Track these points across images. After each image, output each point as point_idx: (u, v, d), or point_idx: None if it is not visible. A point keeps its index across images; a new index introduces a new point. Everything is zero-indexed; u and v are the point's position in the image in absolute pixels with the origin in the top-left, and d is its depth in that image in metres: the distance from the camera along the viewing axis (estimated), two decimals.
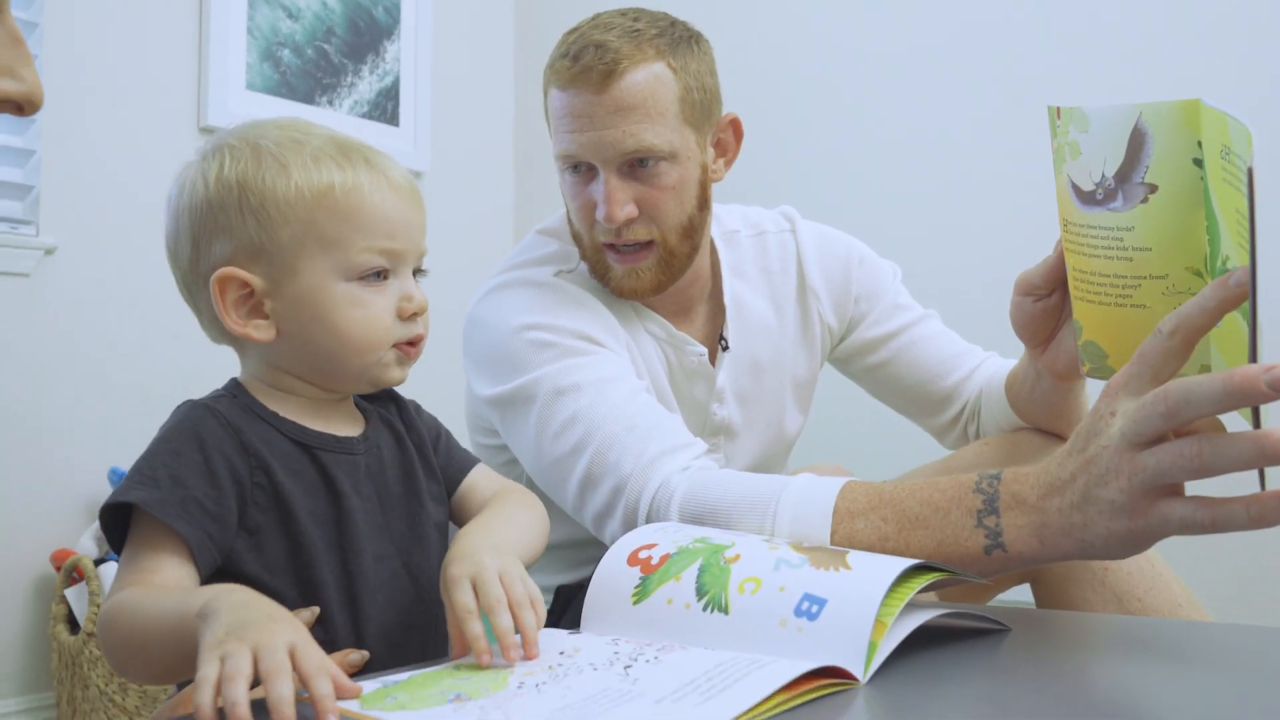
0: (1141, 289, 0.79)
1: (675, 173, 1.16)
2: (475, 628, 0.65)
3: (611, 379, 1.11)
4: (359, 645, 0.76)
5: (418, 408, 0.93)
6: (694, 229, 1.21)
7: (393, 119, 2.59)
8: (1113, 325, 0.82)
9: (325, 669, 0.55)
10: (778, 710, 0.56)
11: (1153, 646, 0.76)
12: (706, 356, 1.28)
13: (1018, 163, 2.14)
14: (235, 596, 0.60)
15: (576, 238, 1.22)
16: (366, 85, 2.54)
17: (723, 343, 1.30)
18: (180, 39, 2.21)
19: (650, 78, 1.13)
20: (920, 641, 0.69)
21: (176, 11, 2.21)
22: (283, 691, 0.53)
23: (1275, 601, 1.84)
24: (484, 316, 1.21)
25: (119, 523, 0.72)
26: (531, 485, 1.21)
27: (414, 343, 0.82)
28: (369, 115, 2.54)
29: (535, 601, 0.69)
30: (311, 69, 2.42)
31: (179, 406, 0.77)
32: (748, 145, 1.29)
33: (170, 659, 0.64)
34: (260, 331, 0.78)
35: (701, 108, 1.19)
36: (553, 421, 1.09)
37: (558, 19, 2.82)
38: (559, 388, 1.10)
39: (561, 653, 0.67)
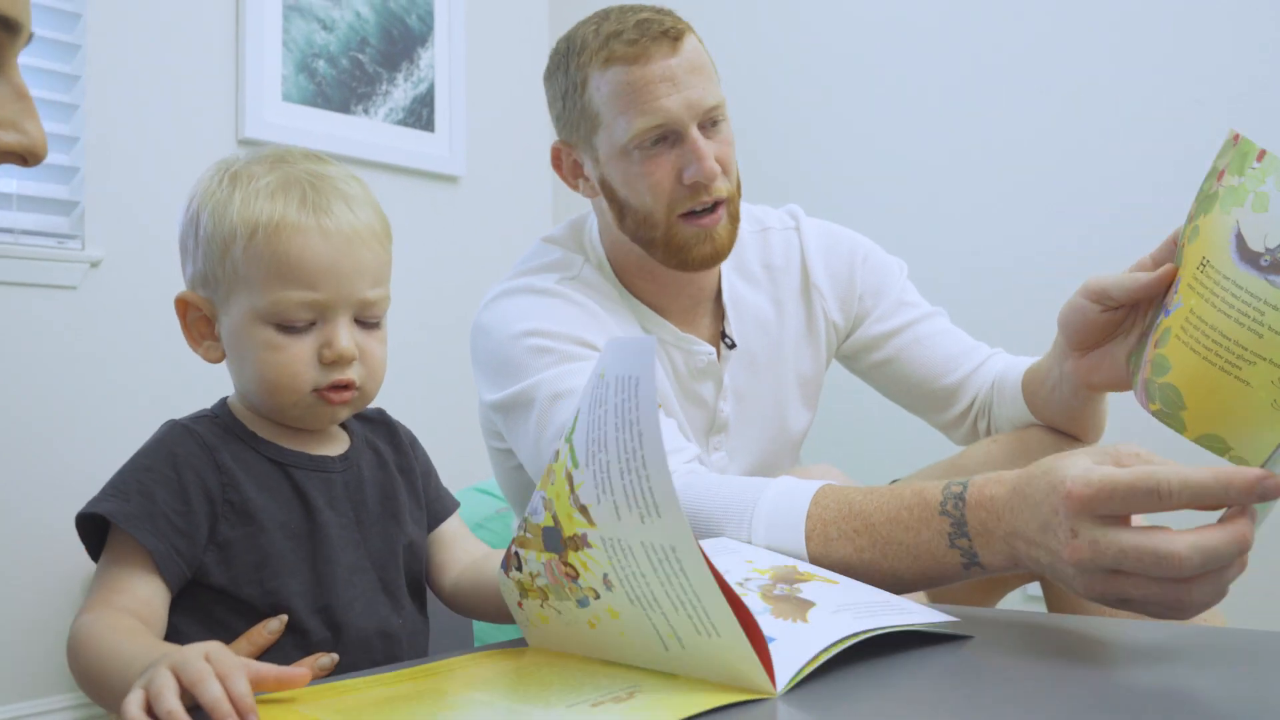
0: (1256, 368, 0.73)
1: (729, 129, 1.21)
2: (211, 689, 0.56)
3: None
4: (335, 651, 0.78)
5: (413, 440, 0.95)
6: (740, 184, 1.26)
7: (428, 125, 2.63)
8: (1207, 384, 0.76)
9: (241, 667, 0.57)
10: (682, 713, 0.56)
11: (1079, 648, 0.75)
12: (714, 356, 1.28)
13: (1025, 160, 2.12)
14: (172, 658, 0.59)
15: (647, 220, 1.19)
16: (401, 93, 2.58)
17: (727, 340, 1.30)
18: (217, 54, 2.27)
19: (697, 42, 1.20)
20: (874, 650, 0.68)
21: (213, 27, 2.27)
22: (213, 692, 0.54)
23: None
24: (487, 323, 1.23)
25: (97, 533, 0.75)
26: (531, 488, 1.23)
27: (336, 388, 0.80)
28: (404, 122, 2.58)
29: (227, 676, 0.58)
30: (346, 79, 2.47)
31: (162, 426, 0.81)
32: (751, 146, 1.30)
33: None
34: (210, 352, 0.82)
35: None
36: (550, 425, 1.11)
37: None
38: (556, 392, 1.12)
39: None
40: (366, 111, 2.51)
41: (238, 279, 0.78)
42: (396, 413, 0.98)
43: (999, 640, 0.74)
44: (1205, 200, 0.80)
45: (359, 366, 0.81)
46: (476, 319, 1.26)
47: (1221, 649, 0.73)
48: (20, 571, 1.94)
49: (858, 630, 0.67)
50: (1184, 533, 0.64)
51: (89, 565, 2.12)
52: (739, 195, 1.24)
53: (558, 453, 0.67)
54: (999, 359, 1.31)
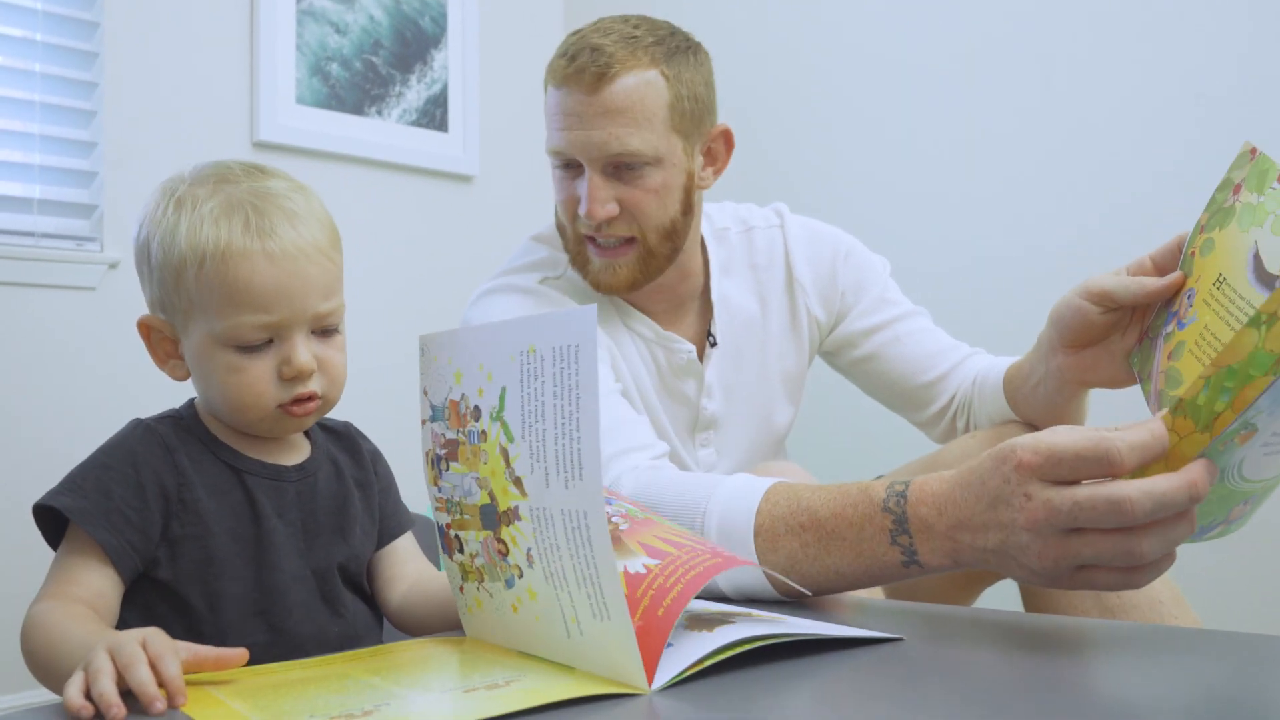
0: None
1: (659, 177, 1.19)
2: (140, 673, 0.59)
3: None
4: (275, 654, 0.80)
5: (376, 456, 0.97)
6: (676, 232, 1.23)
7: (442, 125, 2.66)
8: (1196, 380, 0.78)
9: (175, 650, 0.60)
10: (543, 699, 0.57)
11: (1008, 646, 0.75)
12: (695, 354, 1.30)
13: (1016, 157, 2.11)
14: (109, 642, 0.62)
15: (561, 229, 1.27)
16: (415, 94, 2.62)
17: (710, 339, 1.32)
18: (232, 58, 2.32)
19: (641, 84, 1.16)
20: (798, 651, 0.68)
21: (227, 32, 2.32)
22: (140, 676, 0.57)
23: (1253, 599, 1.76)
24: (471, 320, 1.27)
25: (56, 523, 0.78)
26: None
27: (299, 401, 0.83)
28: (417, 123, 2.61)
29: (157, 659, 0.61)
30: (360, 81, 2.51)
31: (126, 424, 0.84)
32: (746, 146, 1.31)
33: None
34: (176, 370, 0.86)
35: (692, 117, 1.21)
36: None
37: None
38: None
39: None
40: (380, 113, 2.55)
41: (193, 306, 0.81)
42: (409, 412, 0.99)
43: (931, 641, 0.74)
44: (1221, 214, 0.80)
45: (319, 377, 0.84)
46: (464, 315, 1.30)
47: (1166, 646, 0.74)
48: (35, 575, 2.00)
49: (757, 634, 0.66)
50: (1133, 480, 0.65)
51: None
52: (667, 240, 1.22)
53: (485, 433, 0.69)
54: (979, 358, 1.31)
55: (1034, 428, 1.21)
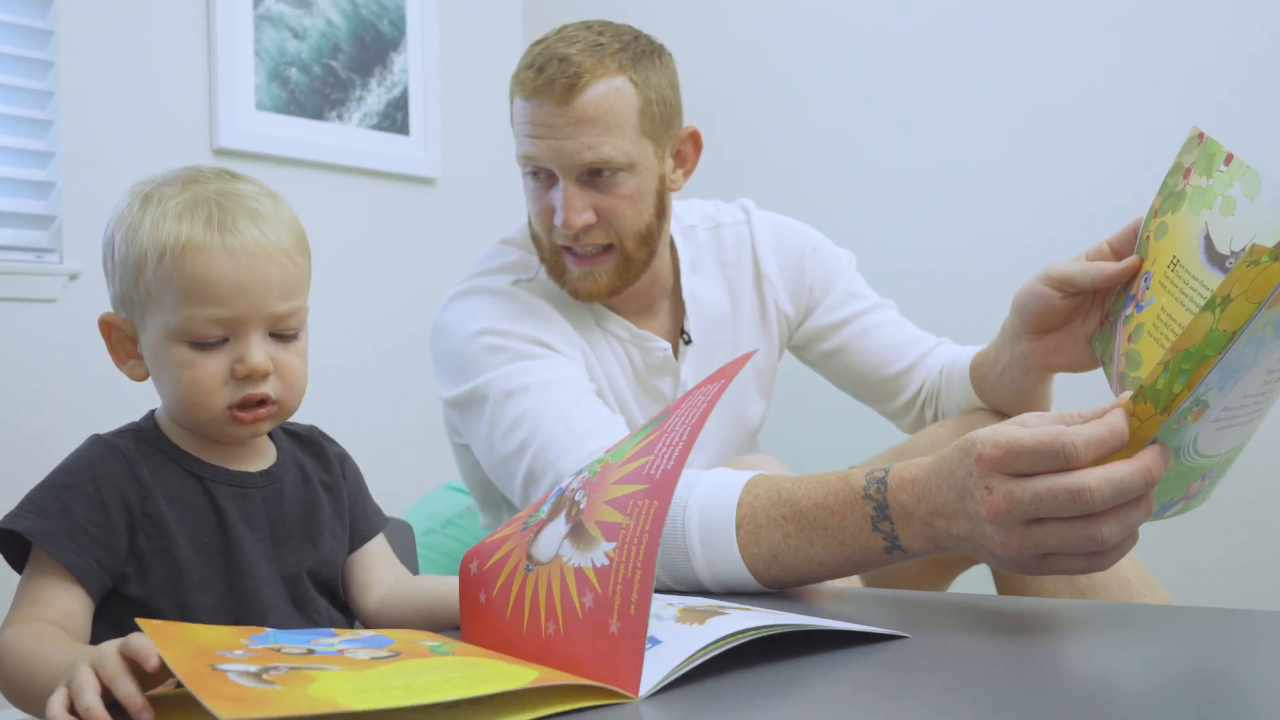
0: None
1: (633, 183, 1.20)
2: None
3: (558, 382, 1.15)
4: None
5: (344, 459, 0.96)
6: (651, 236, 1.24)
7: (403, 129, 2.65)
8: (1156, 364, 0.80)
9: (158, 658, 0.59)
10: (531, 712, 0.56)
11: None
12: (670, 351, 1.31)
13: (979, 155, 2.14)
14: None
15: (536, 240, 1.27)
16: (375, 98, 2.61)
17: (684, 336, 1.33)
18: (189, 65, 2.30)
19: (611, 91, 1.17)
20: (802, 650, 0.67)
21: (184, 39, 2.29)
22: (126, 688, 0.57)
23: (1224, 576, 1.81)
24: (444, 323, 1.26)
25: (17, 545, 0.78)
26: (492, 485, 1.26)
27: (248, 405, 0.82)
28: (379, 126, 2.60)
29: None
30: (319, 85, 2.50)
31: (85, 441, 0.83)
32: (714, 142, 1.32)
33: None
34: (135, 370, 0.85)
35: (661, 120, 1.22)
36: (502, 421, 1.15)
37: (565, 22, 2.87)
38: (509, 389, 1.15)
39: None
40: (341, 117, 2.53)
41: (151, 300, 0.80)
42: (378, 414, 0.98)
43: (932, 636, 0.74)
44: (1173, 197, 0.82)
45: (275, 381, 0.82)
46: (435, 318, 1.30)
47: (1140, 622, 0.76)
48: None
49: (749, 626, 0.65)
50: (1092, 469, 0.68)
51: None
52: (643, 245, 1.23)
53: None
54: (946, 348, 1.34)
55: (1001, 414, 1.24)
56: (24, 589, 0.77)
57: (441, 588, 0.87)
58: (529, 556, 0.72)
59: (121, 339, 0.85)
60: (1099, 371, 1.04)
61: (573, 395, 1.14)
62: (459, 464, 1.39)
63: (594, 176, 1.19)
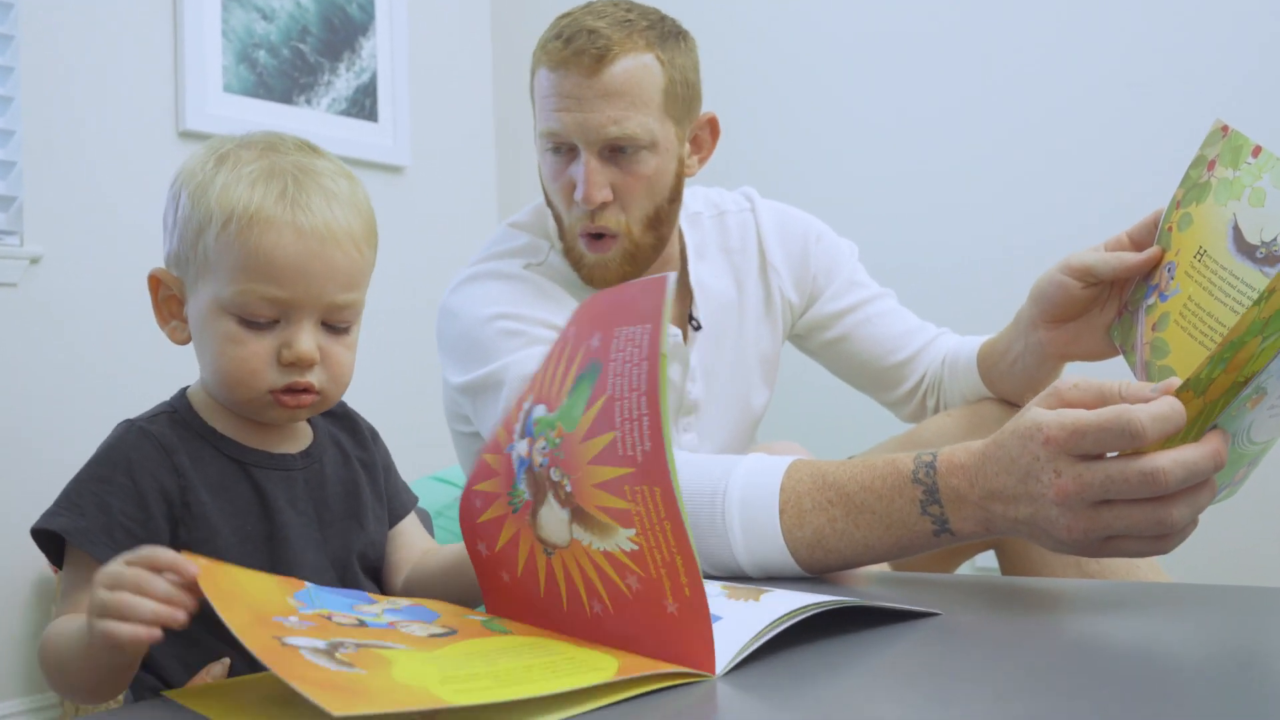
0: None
1: (653, 162, 1.19)
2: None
3: None
4: None
5: (375, 434, 0.94)
6: (660, 220, 1.23)
7: (371, 115, 2.61)
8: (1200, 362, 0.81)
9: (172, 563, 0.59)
10: (614, 696, 0.55)
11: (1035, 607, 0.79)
12: (681, 338, 1.30)
13: (981, 149, 2.16)
14: None
15: (557, 218, 1.25)
16: (344, 83, 2.56)
17: (694, 323, 1.33)
18: (155, 45, 2.24)
19: (639, 67, 1.16)
20: (833, 631, 0.68)
21: (151, 18, 2.23)
22: (161, 587, 0.58)
23: (1230, 559, 1.88)
24: (455, 307, 1.24)
25: (57, 539, 0.74)
26: None
27: (292, 391, 0.78)
28: (347, 112, 2.56)
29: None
30: (288, 69, 2.44)
31: (116, 427, 0.79)
32: (726, 128, 1.32)
33: (90, 671, 0.67)
34: (177, 333, 0.81)
35: (684, 102, 1.22)
36: None
37: (534, 9, 2.85)
38: (526, 375, 1.14)
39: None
40: (309, 102, 2.49)
41: (207, 265, 0.77)
42: (351, 402, 0.95)
43: (966, 614, 0.75)
44: (1197, 189, 0.84)
45: (320, 371, 0.79)
46: (444, 302, 1.27)
47: (1174, 600, 0.78)
48: None
49: (809, 603, 0.65)
50: (1163, 452, 0.68)
51: (36, 567, 2.08)
52: (651, 233, 1.22)
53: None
54: (947, 338, 1.35)
55: (1010, 404, 1.26)
56: (65, 587, 0.73)
57: (461, 558, 0.85)
58: (541, 540, 0.71)
59: (168, 298, 0.81)
60: (1110, 361, 1.06)
61: None
62: (460, 451, 1.37)
63: (616, 153, 1.18)
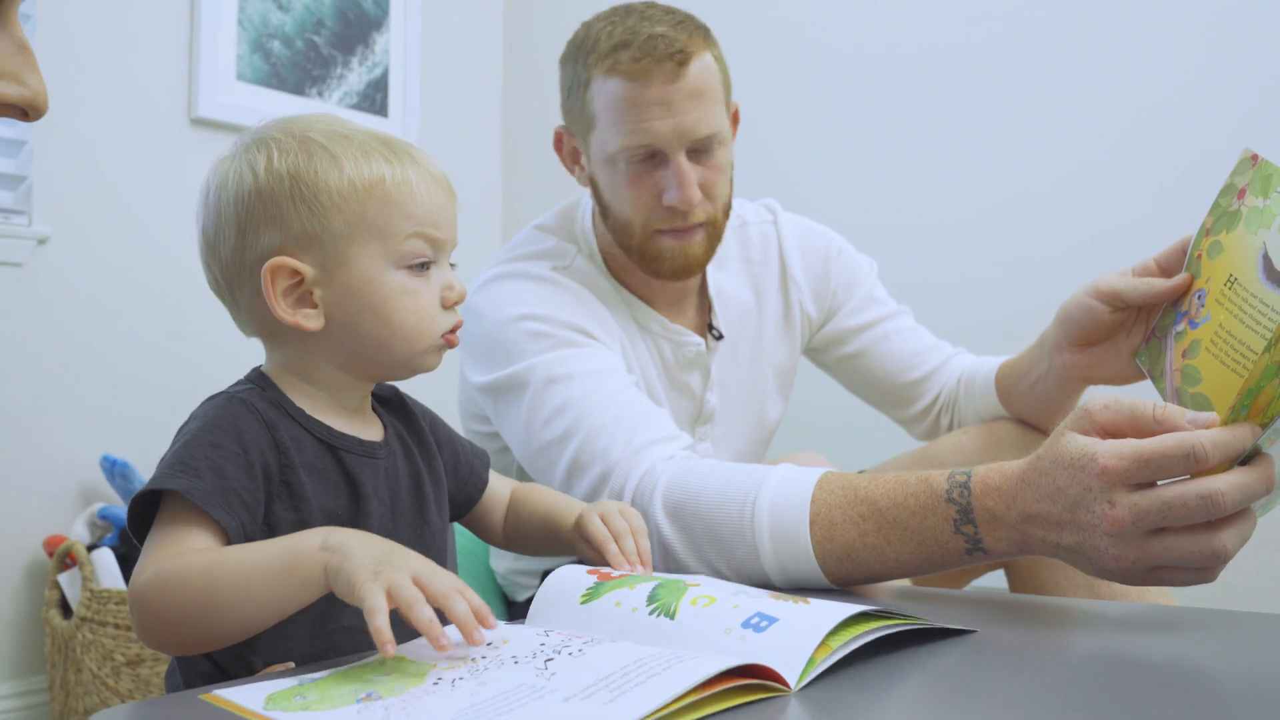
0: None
1: (725, 154, 1.22)
2: (424, 613, 0.63)
3: (603, 371, 1.14)
4: (368, 641, 0.78)
5: (433, 421, 0.94)
6: (729, 207, 1.27)
7: (382, 110, 2.61)
8: (1234, 395, 0.79)
9: (458, 589, 0.64)
10: (696, 714, 0.55)
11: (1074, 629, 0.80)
12: (703, 346, 1.31)
13: (995, 163, 2.17)
14: (348, 533, 0.67)
15: (625, 228, 1.23)
16: (356, 77, 2.56)
17: (714, 332, 1.33)
18: (171, 30, 2.23)
19: (708, 65, 1.19)
20: (878, 648, 0.68)
21: (167, 4, 2.22)
22: (462, 608, 0.63)
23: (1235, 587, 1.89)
24: (480, 306, 1.24)
25: (142, 510, 0.74)
26: (521, 473, 1.24)
27: (454, 331, 0.84)
28: (358, 106, 2.55)
29: (462, 590, 0.66)
30: (301, 60, 2.44)
31: (211, 399, 0.78)
32: (741, 139, 1.33)
33: (269, 601, 0.66)
34: (310, 320, 0.78)
35: (728, 94, 1.25)
36: (544, 408, 1.13)
37: (547, 10, 2.85)
38: (552, 376, 1.14)
39: (489, 644, 0.65)
40: (321, 94, 2.48)
41: (360, 231, 0.78)
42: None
43: (1001, 631, 0.76)
44: (1227, 218, 0.85)
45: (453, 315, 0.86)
46: (468, 301, 1.27)
47: (1202, 626, 0.79)
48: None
49: (856, 611, 0.67)
50: (1218, 475, 0.70)
51: (29, 550, 2.05)
52: (725, 217, 1.26)
53: None
54: (963, 357, 1.37)
55: (1027, 424, 1.27)
56: (159, 539, 0.71)
57: (553, 503, 0.95)
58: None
59: (291, 287, 0.78)
60: (1133, 385, 1.07)
61: (618, 385, 1.13)
62: None
63: (697, 152, 1.19)
